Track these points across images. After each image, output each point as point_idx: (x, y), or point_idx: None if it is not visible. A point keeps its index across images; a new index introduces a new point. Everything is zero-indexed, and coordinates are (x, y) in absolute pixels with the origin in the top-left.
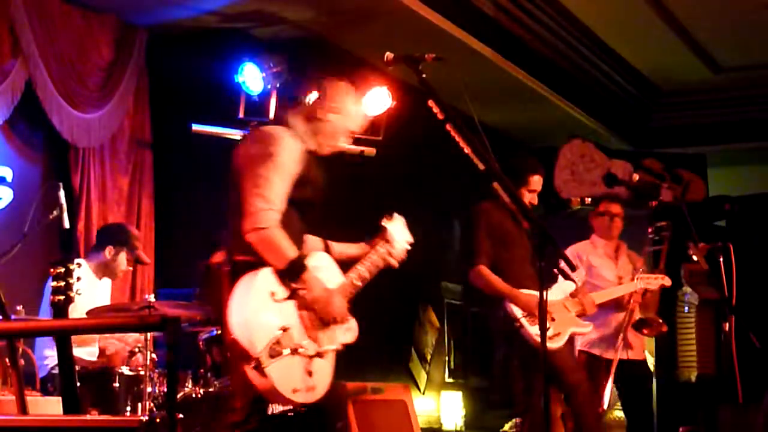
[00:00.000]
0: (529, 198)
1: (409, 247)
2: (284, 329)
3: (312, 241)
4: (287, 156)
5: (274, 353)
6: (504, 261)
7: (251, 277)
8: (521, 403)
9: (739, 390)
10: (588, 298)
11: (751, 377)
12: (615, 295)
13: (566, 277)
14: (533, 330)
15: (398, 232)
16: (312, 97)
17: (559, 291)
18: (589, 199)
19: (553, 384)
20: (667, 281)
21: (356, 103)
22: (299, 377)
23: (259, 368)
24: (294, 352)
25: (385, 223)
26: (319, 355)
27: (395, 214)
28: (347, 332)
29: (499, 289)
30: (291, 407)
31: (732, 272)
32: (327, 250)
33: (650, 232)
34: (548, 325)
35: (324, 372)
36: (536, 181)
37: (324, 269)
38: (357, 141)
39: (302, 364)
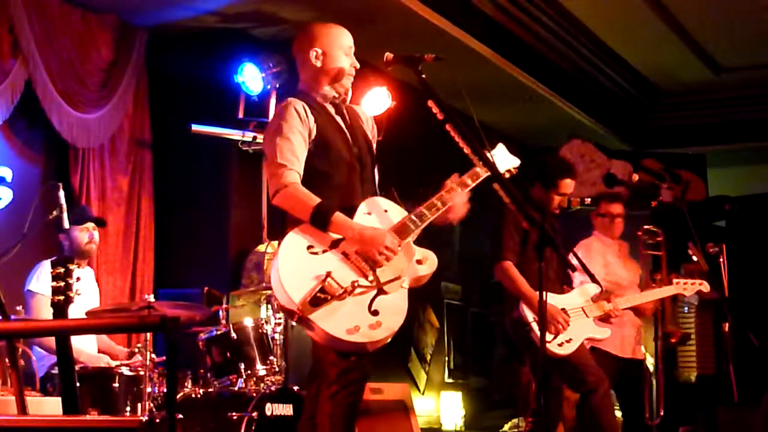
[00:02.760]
0: (559, 200)
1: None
2: (326, 275)
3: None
4: (292, 116)
5: (317, 301)
6: (528, 260)
7: (286, 238)
8: (531, 403)
9: (734, 390)
10: (613, 302)
11: (751, 378)
12: (645, 300)
13: (592, 278)
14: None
15: (502, 161)
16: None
17: (580, 294)
18: (589, 199)
19: (569, 384)
20: (706, 287)
21: (337, 28)
22: (357, 317)
23: (304, 321)
24: (344, 295)
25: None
26: (383, 292)
27: (499, 144)
28: (420, 265)
29: (521, 289)
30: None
31: (725, 272)
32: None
33: (642, 235)
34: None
35: (393, 308)
36: (567, 185)
37: (376, 213)
38: None
39: (361, 304)
